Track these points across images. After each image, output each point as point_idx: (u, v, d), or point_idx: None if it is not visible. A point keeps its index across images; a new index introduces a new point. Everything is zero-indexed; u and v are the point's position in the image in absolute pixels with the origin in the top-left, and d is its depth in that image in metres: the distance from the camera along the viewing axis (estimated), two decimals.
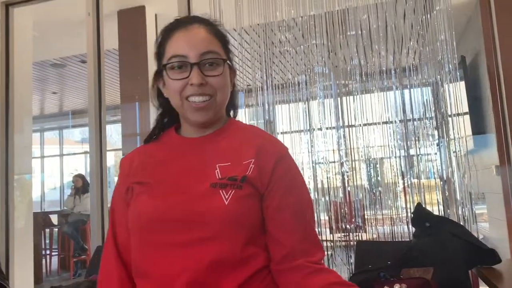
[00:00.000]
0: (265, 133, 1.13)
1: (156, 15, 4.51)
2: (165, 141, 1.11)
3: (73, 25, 3.89)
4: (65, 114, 8.92)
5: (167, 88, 1.05)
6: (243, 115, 2.92)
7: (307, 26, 2.54)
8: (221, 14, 2.57)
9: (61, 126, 9.85)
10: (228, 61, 1.05)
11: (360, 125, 2.61)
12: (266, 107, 2.71)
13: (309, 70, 2.68)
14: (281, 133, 2.87)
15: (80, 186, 6.29)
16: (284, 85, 2.77)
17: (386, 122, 2.60)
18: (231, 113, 1.15)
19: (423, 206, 2.05)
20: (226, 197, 0.94)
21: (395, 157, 2.55)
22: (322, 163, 2.71)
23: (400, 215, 2.65)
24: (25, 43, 3.05)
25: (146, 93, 4.72)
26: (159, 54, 1.07)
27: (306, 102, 2.73)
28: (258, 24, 2.59)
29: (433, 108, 2.42)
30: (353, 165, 2.67)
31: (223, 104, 1.05)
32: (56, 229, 6.32)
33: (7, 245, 2.65)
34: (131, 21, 4.36)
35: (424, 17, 2.38)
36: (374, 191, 2.77)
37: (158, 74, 1.07)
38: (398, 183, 2.62)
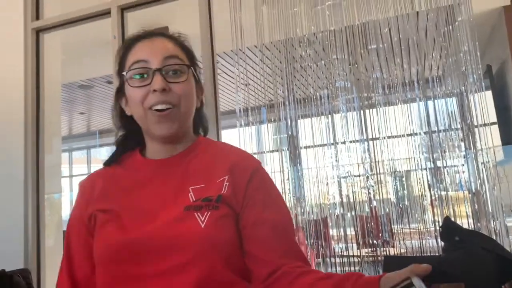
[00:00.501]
0: (237, 148, 1.06)
1: None
2: (129, 165, 1.02)
3: (100, 48, 4.01)
4: (92, 134, 9.14)
5: (128, 100, 0.98)
6: (266, 131, 2.93)
7: (328, 41, 2.56)
8: (242, 32, 2.61)
9: (89, 146, 10.10)
10: (193, 72, 0.99)
11: (384, 137, 2.59)
12: (289, 122, 2.72)
13: (330, 84, 2.68)
14: (305, 147, 2.87)
15: None
16: (306, 99, 2.78)
17: (411, 134, 2.56)
18: (201, 132, 1.09)
19: (452, 219, 2.00)
20: (202, 219, 0.87)
21: (422, 169, 2.51)
22: (347, 177, 2.69)
23: (429, 229, 2.59)
24: (54, 66, 3.16)
25: None
26: (120, 69, 1.01)
27: (329, 116, 2.73)
28: (278, 40, 2.62)
29: (459, 119, 2.37)
30: (379, 179, 2.64)
31: (188, 115, 0.98)
32: None
33: (38, 263, 2.71)
34: None
35: (446, 28, 2.36)
36: (401, 204, 2.73)
37: (120, 92, 1.02)
38: (426, 196, 2.56)
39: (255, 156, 2.70)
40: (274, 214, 0.94)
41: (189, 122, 1.01)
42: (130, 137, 1.06)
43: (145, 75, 0.94)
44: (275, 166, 2.72)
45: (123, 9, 2.79)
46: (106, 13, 2.81)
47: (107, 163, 1.05)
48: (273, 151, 2.88)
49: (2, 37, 2.97)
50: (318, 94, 2.73)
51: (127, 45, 1.01)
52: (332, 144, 2.70)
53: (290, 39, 2.62)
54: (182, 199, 0.91)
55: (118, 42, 2.71)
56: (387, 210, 2.73)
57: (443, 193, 2.45)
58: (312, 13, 2.55)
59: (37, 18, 3.03)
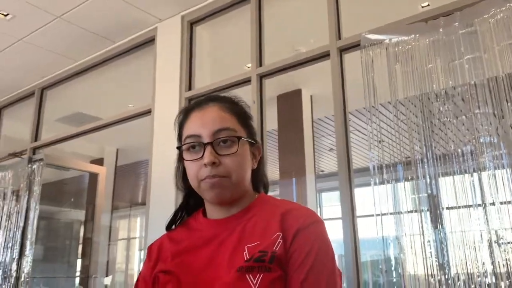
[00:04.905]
0: (293, 203, 1.01)
1: (311, 96, 4.82)
2: (192, 226, 1.05)
3: None
4: None
5: (186, 169, 1.02)
6: (403, 189, 2.81)
7: (468, 94, 2.42)
8: (375, 90, 2.63)
9: None
10: (247, 138, 1.01)
11: None
12: (428, 180, 2.57)
13: (474, 139, 2.49)
14: (447, 208, 2.66)
15: None
16: (447, 156, 2.61)
17: None
18: (262, 189, 1.08)
19: None
20: (254, 282, 0.84)
21: None
22: (499, 243, 2.40)
23: None
24: None
25: (303, 170, 4.93)
26: (179, 136, 1.05)
27: (474, 174, 2.51)
28: (413, 95, 2.57)
29: None
30: None
31: (240, 183, 0.98)
32: None
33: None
34: (289, 103, 4.73)
35: None
36: None
37: (181, 156, 1.04)
38: None
39: (391, 216, 2.59)
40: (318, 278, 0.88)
41: (242, 187, 1.01)
42: (191, 198, 1.10)
43: (197, 147, 0.98)
44: (414, 228, 2.57)
45: (262, 77, 3.06)
46: (247, 81, 3.12)
47: (169, 227, 1.10)
48: (411, 211, 2.73)
49: (162, 104, 3.54)
50: (460, 150, 2.55)
51: (183, 115, 1.06)
52: (480, 205, 2.46)
53: (426, 94, 2.54)
54: (238, 258, 0.90)
55: (257, 106, 2.96)
56: None
57: None
58: (450, 67, 2.46)
59: (190, 88, 3.49)
